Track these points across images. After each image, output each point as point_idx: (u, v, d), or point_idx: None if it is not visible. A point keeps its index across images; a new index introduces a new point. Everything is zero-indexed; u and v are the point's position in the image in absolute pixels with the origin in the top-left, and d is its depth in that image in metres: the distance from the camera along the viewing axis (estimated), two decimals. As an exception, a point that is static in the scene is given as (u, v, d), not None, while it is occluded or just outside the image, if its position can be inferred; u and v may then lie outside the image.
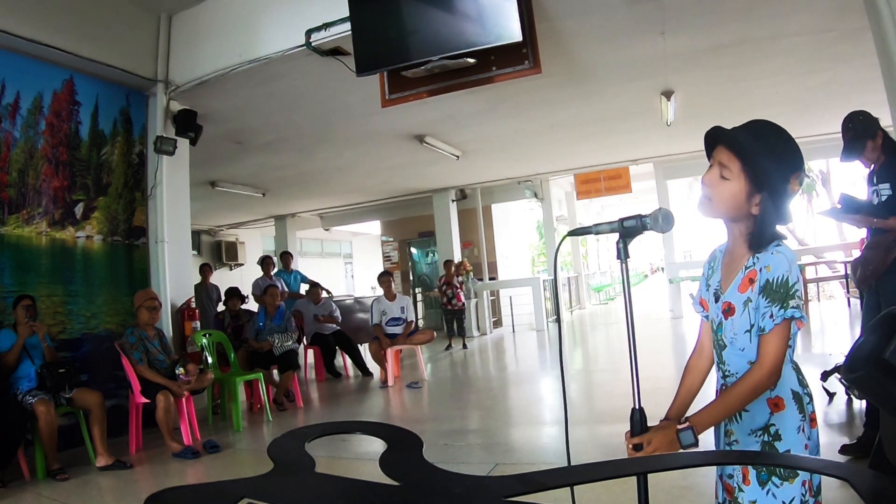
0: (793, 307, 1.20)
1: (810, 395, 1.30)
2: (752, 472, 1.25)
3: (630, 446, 1.27)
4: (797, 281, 1.22)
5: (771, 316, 1.21)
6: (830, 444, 2.99)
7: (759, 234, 1.26)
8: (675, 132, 7.65)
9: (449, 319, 9.45)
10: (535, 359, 8.29)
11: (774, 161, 1.23)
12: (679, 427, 1.22)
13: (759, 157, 1.23)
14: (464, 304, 9.51)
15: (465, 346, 9.22)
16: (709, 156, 1.32)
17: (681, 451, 1.20)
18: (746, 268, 1.28)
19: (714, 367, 1.41)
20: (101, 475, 3.73)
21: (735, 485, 1.29)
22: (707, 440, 1.42)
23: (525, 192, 11.74)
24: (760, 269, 1.25)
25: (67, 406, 3.91)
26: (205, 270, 8.29)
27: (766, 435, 1.26)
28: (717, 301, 1.35)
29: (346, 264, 19.43)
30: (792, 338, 1.25)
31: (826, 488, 1.20)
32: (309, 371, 7.60)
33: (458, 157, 8.27)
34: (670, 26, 4.64)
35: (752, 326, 1.26)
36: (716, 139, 1.29)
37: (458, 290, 9.38)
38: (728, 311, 1.30)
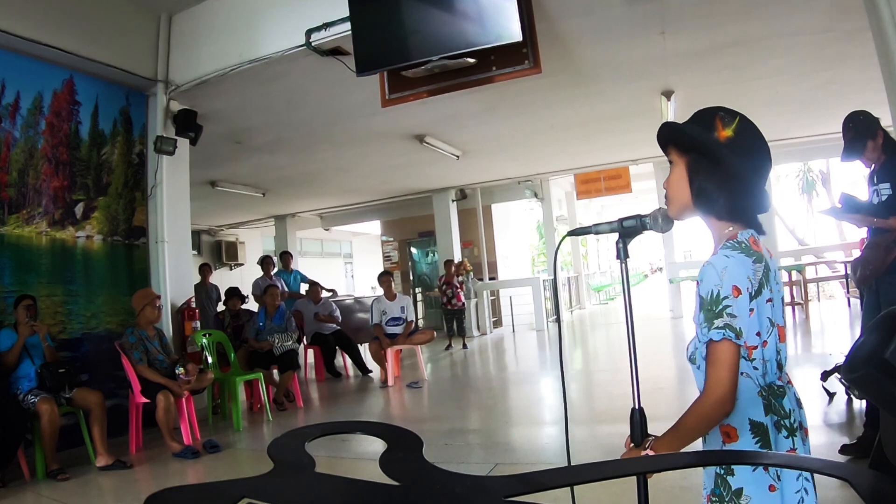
0: (716, 328, 1.08)
1: (790, 427, 1.14)
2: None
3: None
4: (728, 296, 1.08)
5: (702, 336, 1.13)
6: (830, 444, 2.99)
7: (711, 195, 1.17)
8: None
9: (449, 319, 9.45)
10: (535, 359, 8.29)
11: (694, 126, 1.20)
12: (643, 453, 1.18)
13: (682, 131, 1.21)
14: (464, 303, 9.50)
15: (465, 346, 9.21)
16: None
17: (680, 451, 1.19)
18: None
19: None
20: (101, 475, 3.73)
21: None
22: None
23: (525, 192, 11.75)
24: (698, 281, 1.15)
25: (67, 406, 3.91)
26: (204, 270, 8.30)
27: (719, 466, 1.16)
28: None
29: (346, 264, 19.43)
30: (757, 360, 1.14)
31: (826, 488, 1.20)
32: (309, 371, 7.60)
33: (458, 157, 8.27)
34: (670, 26, 4.64)
35: (699, 344, 1.17)
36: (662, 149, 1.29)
37: (459, 290, 9.37)
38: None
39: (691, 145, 1.20)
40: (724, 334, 1.07)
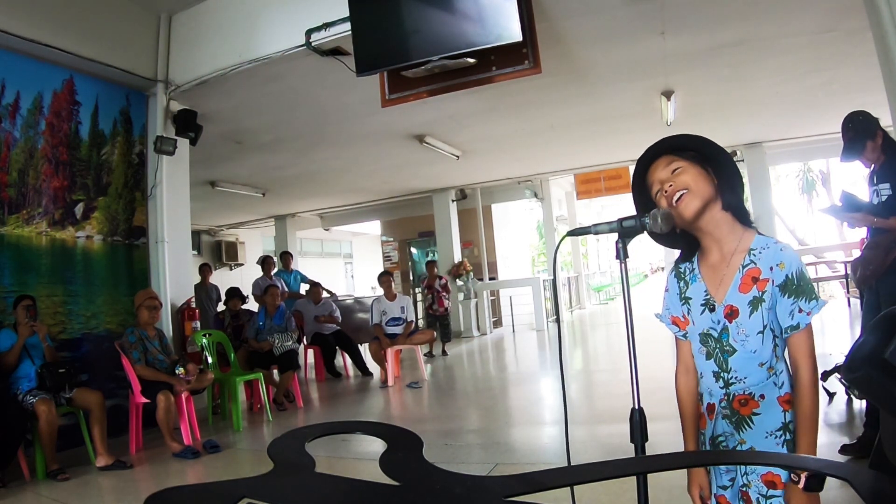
0: (818, 296, 1.23)
1: None
2: (783, 475, 1.21)
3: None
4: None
5: (800, 311, 1.21)
6: (830, 444, 2.99)
7: (732, 201, 1.30)
8: (676, 132, 7.64)
9: (431, 324, 8.85)
10: (535, 359, 8.28)
11: (692, 137, 1.37)
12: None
13: (685, 140, 1.36)
14: (446, 308, 8.93)
15: (444, 353, 8.43)
16: (639, 188, 1.40)
17: (680, 451, 1.19)
18: (744, 266, 1.26)
19: (707, 381, 1.34)
20: (101, 475, 3.73)
21: (755, 496, 1.24)
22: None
23: (525, 192, 11.75)
24: (771, 268, 1.23)
25: (67, 406, 3.91)
26: (204, 270, 8.30)
27: (786, 434, 1.25)
28: (712, 310, 1.30)
29: (346, 264, 19.44)
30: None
31: (826, 488, 1.20)
32: (309, 371, 7.60)
33: (458, 157, 8.28)
34: (670, 26, 4.64)
35: (764, 327, 1.24)
36: (648, 162, 1.38)
37: (440, 294, 8.83)
38: (731, 314, 1.27)
39: (709, 153, 1.34)
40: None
